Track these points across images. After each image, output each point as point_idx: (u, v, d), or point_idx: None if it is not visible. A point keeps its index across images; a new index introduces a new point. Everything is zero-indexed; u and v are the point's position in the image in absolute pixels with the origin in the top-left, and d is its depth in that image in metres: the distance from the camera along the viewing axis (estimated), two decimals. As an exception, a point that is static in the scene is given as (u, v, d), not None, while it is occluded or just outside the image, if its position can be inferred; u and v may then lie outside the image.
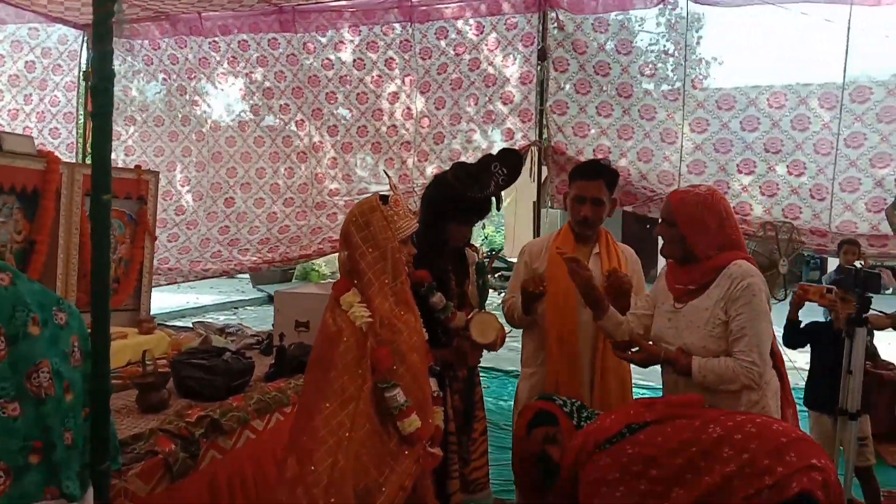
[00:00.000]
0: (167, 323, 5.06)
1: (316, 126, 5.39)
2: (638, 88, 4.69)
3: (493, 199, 2.82)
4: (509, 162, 2.77)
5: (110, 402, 1.92)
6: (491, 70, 4.91)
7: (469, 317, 2.75)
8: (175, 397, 2.91)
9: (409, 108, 5.15)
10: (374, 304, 1.98)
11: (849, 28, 4.20)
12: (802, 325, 3.80)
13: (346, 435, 1.86)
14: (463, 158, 4.95)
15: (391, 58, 5.11)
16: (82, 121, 5.87)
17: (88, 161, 4.45)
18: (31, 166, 3.42)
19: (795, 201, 4.49)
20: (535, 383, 3.00)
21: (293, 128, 5.48)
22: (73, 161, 5.32)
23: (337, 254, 2.33)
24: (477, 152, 4.93)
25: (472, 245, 3.04)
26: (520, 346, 3.11)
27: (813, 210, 4.45)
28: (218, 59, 5.53)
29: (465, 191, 2.69)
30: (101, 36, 1.82)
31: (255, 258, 5.53)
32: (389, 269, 2.01)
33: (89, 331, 1.88)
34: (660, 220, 2.62)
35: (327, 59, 5.26)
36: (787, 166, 4.48)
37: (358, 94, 5.24)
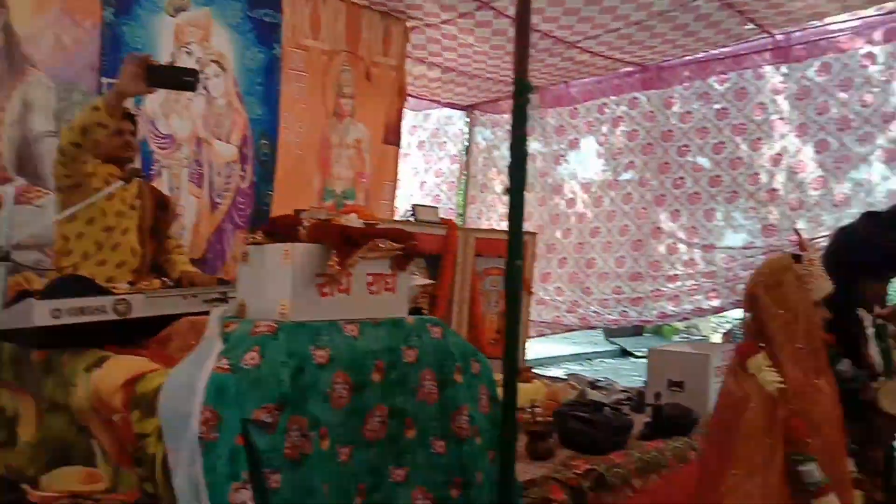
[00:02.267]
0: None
1: (661, 181, 5.29)
2: None
3: None
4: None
5: (516, 447, 2.09)
6: (888, 104, 4.31)
7: (876, 385, 2.41)
8: (558, 447, 3.04)
9: (777, 154, 4.76)
10: (785, 369, 1.85)
11: None
12: None
13: (754, 505, 1.75)
14: (853, 202, 4.41)
15: (760, 103, 4.82)
16: (463, 189, 6.61)
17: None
18: (435, 232, 3.98)
19: None
20: None
21: (635, 184, 5.45)
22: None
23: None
24: (865, 194, 4.36)
25: (891, 306, 2.66)
26: None
27: None
28: (574, 124, 5.79)
29: (880, 242, 2.39)
30: (518, 121, 2.06)
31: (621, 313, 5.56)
32: (802, 333, 1.87)
33: (498, 379, 2.08)
34: None
35: (686, 111, 5.17)
36: None
37: (714, 144, 5.02)
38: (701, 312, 5.43)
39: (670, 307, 5.36)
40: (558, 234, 5.93)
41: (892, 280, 2.58)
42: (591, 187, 5.81)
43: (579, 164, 5.97)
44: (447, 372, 2.04)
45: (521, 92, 1.99)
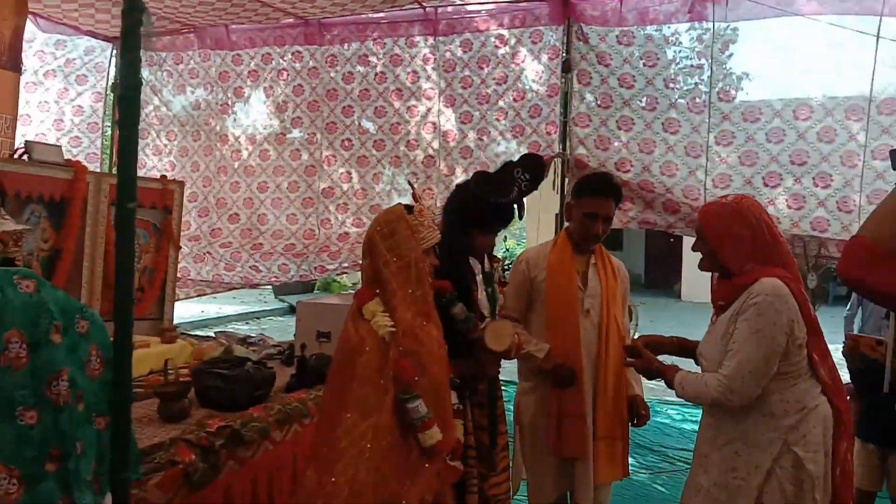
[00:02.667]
0: (189, 332, 5.08)
1: (329, 140, 5.38)
2: (663, 101, 4.62)
3: (516, 206, 2.80)
4: (531, 167, 2.76)
5: (132, 410, 1.92)
6: (519, 84, 4.89)
7: (482, 325, 2.72)
8: (196, 407, 2.91)
9: (433, 123, 5.14)
10: (397, 313, 1.96)
11: (878, 39, 4.13)
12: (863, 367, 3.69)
13: (366, 446, 1.84)
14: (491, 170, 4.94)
15: (414, 71, 5.12)
16: (108, 132, 5.94)
17: (114, 171, 4.50)
18: (58, 176, 3.46)
19: (823, 214, 4.40)
20: (536, 398, 2.98)
21: (303, 141, 5.47)
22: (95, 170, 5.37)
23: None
24: (505, 165, 4.93)
25: (495, 256, 3.02)
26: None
27: (841, 222, 4.36)
28: (238, 71, 5.57)
29: (488, 197, 2.67)
30: (129, 45, 1.83)
31: (281, 266, 5.52)
32: (413, 279, 2.00)
33: (112, 340, 1.89)
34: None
35: (349, 72, 5.29)
36: (814, 178, 4.40)
37: (376, 107, 5.24)
38: (359, 266, 5.65)
39: (329, 261, 5.48)
40: (227, 188, 5.67)
41: (498, 232, 2.89)
42: (256, 139, 5.64)
43: (245, 114, 5.73)
44: (42, 331, 1.78)
45: (131, 11, 1.77)
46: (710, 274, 2.61)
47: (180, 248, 4.35)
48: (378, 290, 2.01)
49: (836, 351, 3.96)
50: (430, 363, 2.01)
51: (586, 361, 2.91)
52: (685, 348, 2.68)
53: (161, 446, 2.45)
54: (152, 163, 5.83)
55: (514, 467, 3.13)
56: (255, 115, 5.66)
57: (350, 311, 2.04)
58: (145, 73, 5.45)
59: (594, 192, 2.93)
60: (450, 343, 2.23)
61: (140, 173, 5.36)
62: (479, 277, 2.86)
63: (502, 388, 3.10)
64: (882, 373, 3.25)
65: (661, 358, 2.63)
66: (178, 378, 2.98)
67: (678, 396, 2.45)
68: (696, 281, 16.39)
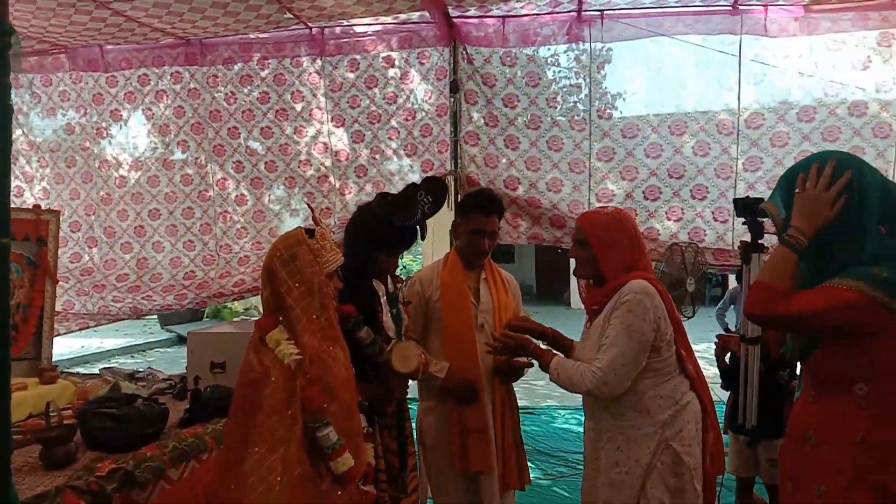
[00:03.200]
0: (71, 370, 4.75)
1: (219, 163, 5.23)
2: (546, 120, 4.80)
3: (419, 228, 2.83)
4: (434, 190, 2.80)
5: (11, 460, 1.79)
6: (409, 104, 4.94)
7: (388, 348, 2.72)
8: (83, 450, 2.73)
9: (323, 143, 5.09)
10: (302, 340, 1.93)
11: (740, 58, 4.49)
12: (730, 364, 3.96)
13: (276, 480, 1.79)
14: (387, 189, 4.95)
15: (299, 91, 5.06)
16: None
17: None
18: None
19: (700, 224, 4.71)
20: (438, 417, 3.02)
21: (192, 165, 5.27)
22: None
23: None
24: (400, 183, 4.93)
25: (398, 276, 3.03)
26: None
27: (716, 232, 4.68)
28: (114, 94, 5.31)
29: (392, 220, 2.68)
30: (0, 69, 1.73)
31: (178, 295, 5.28)
32: (317, 304, 1.97)
33: (16, 382, 1.75)
34: (572, 243, 2.72)
35: (231, 92, 5.15)
36: (691, 191, 4.70)
37: (262, 128, 5.13)
38: (258, 290, 5.49)
39: (230, 287, 5.30)
40: (114, 216, 5.37)
41: (401, 254, 2.91)
42: (142, 165, 5.38)
43: (126, 138, 5.46)
44: None
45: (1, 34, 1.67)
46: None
47: (58, 281, 4.06)
48: (281, 318, 1.96)
49: (711, 346, 4.24)
50: (339, 388, 1.98)
51: (484, 375, 2.97)
52: (559, 343, 2.79)
53: (46, 496, 2.28)
54: (25, 189, 5.44)
55: (420, 487, 3.14)
56: (136, 138, 5.40)
57: (251, 340, 1.98)
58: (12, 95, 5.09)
59: (478, 210, 3.03)
60: (357, 366, 2.22)
61: (16, 203, 5.08)
62: (384, 299, 2.85)
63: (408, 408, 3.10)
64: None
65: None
66: (61, 421, 2.78)
67: (551, 380, 2.56)
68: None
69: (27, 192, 5.43)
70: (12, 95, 4.55)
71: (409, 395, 2.98)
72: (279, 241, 2.05)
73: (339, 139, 5.07)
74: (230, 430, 1.96)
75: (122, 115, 5.33)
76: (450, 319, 2.98)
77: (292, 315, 1.95)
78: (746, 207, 3.41)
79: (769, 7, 4.36)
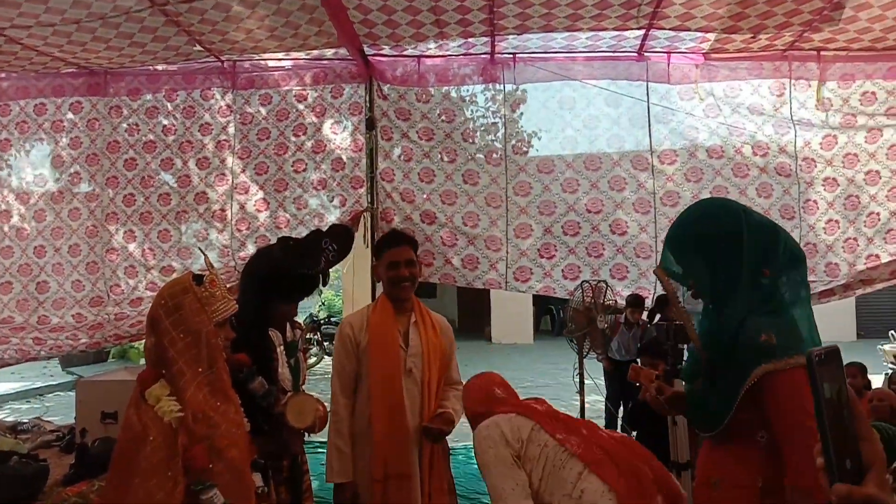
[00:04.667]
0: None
1: (110, 196, 4.93)
2: (462, 154, 4.79)
3: (321, 275, 2.73)
4: (340, 238, 2.71)
5: None
6: (319, 137, 4.85)
7: (284, 401, 2.59)
8: (-51, 517, 2.48)
9: (222, 175, 4.91)
10: (185, 395, 1.78)
11: (648, 101, 4.64)
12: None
13: (154, 550, 1.64)
14: (294, 225, 4.81)
15: (207, 124, 4.89)
16: None
17: None
18: None
19: (621, 260, 4.72)
20: (360, 464, 2.90)
21: (82, 199, 4.98)
22: None
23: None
24: (309, 219, 4.81)
25: (298, 323, 2.91)
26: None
27: (639, 268, 4.72)
28: (5, 123, 5.00)
29: (295, 268, 2.57)
30: None
31: (70, 336, 4.94)
32: (204, 357, 1.83)
33: None
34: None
35: (135, 124, 4.93)
36: (610, 225, 4.74)
37: (163, 160, 4.90)
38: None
39: (126, 329, 5.00)
40: (-5, 255, 5.00)
41: (299, 301, 2.79)
42: (30, 199, 5.05)
43: (14, 171, 5.13)
44: None
45: None
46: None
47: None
48: (164, 372, 1.82)
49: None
50: (227, 447, 1.84)
51: (410, 420, 2.88)
52: None
53: None
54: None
55: None
56: (25, 171, 5.08)
57: (132, 395, 1.83)
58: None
59: (390, 245, 3.00)
60: (251, 420, 2.08)
61: None
62: (281, 348, 2.72)
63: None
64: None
65: None
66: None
67: None
68: (503, 324, 17.22)
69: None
70: None
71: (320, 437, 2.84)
72: (164, 288, 1.91)
73: (243, 171, 4.89)
74: (106, 493, 1.80)
75: (10, 146, 5.02)
76: (377, 363, 2.88)
77: (175, 368, 1.81)
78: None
79: (672, 54, 4.54)
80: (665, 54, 4.56)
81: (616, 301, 4.48)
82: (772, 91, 4.57)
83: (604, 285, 4.32)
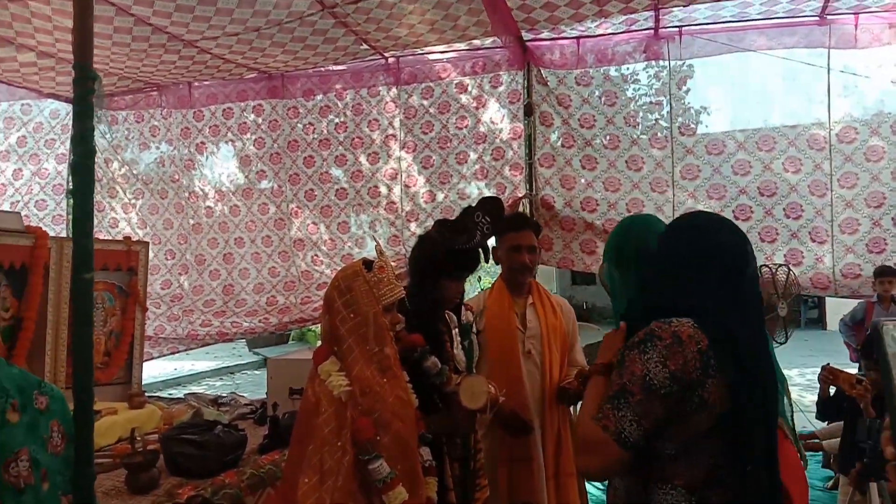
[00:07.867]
0: (161, 393, 4.96)
1: (293, 191, 5.39)
2: (625, 139, 4.67)
3: (481, 250, 2.78)
4: (490, 209, 2.73)
5: (98, 483, 1.85)
6: (481, 127, 4.95)
7: (457, 382, 2.66)
8: (166, 475, 2.81)
9: (393, 169, 5.16)
10: (353, 371, 1.92)
11: (829, 71, 4.24)
12: (833, 395, 3.69)
13: (326, 512, 1.78)
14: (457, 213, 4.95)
15: (375, 119, 5.16)
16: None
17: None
18: (18, 243, 3.39)
19: (796, 245, 4.40)
20: (486, 445, 2.91)
21: (269, 194, 5.48)
22: (61, 233, 5.31)
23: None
24: (471, 208, 4.94)
25: (469, 305, 2.98)
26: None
27: (815, 254, 4.37)
28: (200, 127, 5.58)
29: (451, 244, 2.64)
30: (82, 113, 1.84)
31: (262, 319, 5.48)
32: (372, 336, 1.95)
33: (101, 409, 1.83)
34: None
35: (310, 123, 5.31)
36: (784, 209, 4.43)
37: (337, 156, 5.27)
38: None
39: (310, 312, 5.43)
40: (205, 244, 5.64)
41: (466, 279, 2.86)
42: (226, 195, 5.64)
43: (210, 170, 5.74)
44: (-2, 411, 1.71)
45: (83, 80, 1.78)
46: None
47: (147, 309, 4.27)
48: (335, 349, 1.97)
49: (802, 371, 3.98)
50: (393, 420, 1.95)
51: (532, 402, 2.89)
52: None
53: (128, 520, 2.36)
54: (122, 220, 5.78)
55: None
56: (220, 170, 5.67)
57: (310, 370, 2.00)
58: (105, 131, 5.48)
59: (512, 228, 2.99)
60: (424, 398, 2.18)
61: (112, 232, 5.41)
62: (455, 330, 2.81)
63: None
64: (856, 410, 3.26)
65: None
66: (146, 446, 2.88)
67: None
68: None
69: (122, 223, 5.76)
70: (107, 131, 4.83)
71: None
72: (339, 273, 2.06)
73: (410, 165, 5.11)
74: (289, 459, 1.98)
75: (206, 148, 5.60)
76: (495, 346, 2.93)
77: (345, 345, 1.95)
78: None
79: (860, 14, 4.10)
80: (852, 15, 4.13)
81: (799, 286, 4.16)
82: None
83: (784, 268, 4.02)
